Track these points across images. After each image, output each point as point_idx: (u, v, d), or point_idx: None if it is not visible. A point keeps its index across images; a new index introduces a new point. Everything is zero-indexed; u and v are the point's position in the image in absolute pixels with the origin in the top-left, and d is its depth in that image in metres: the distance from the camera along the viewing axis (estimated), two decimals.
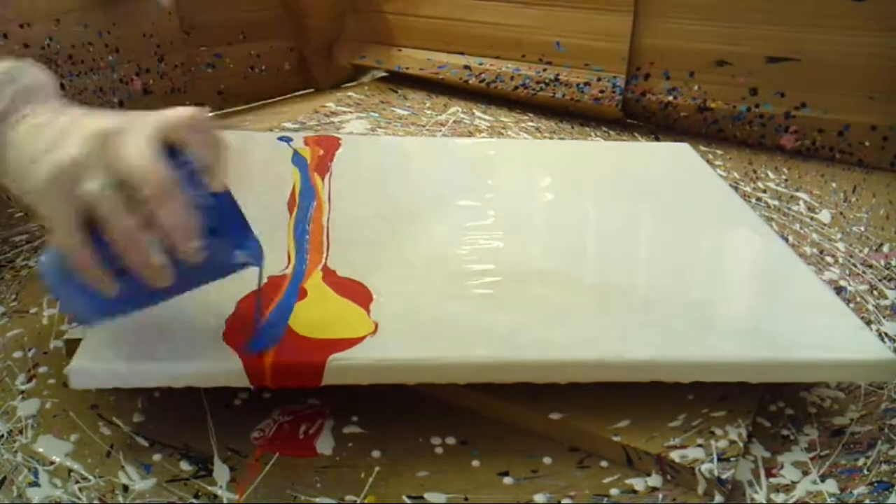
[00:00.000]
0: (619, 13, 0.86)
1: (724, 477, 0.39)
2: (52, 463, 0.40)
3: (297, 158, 0.65)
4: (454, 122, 0.89)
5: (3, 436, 0.41)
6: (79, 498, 0.38)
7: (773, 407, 0.46)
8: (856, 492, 0.40)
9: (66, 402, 0.44)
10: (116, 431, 0.42)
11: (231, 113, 0.92)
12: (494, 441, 0.43)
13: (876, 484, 0.40)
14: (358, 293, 0.46)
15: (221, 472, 0.39)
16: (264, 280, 0.43)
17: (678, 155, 0.73)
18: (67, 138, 0.35)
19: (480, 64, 0.95)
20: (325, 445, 0.42)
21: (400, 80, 1.01)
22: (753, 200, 0.72)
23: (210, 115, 0.38)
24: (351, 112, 0.90)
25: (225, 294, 0.44)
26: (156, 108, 0.37)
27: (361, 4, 1.01)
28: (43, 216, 0.35)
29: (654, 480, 0.40)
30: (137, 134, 0.35)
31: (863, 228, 0.68)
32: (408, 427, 0.43)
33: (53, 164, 0.34)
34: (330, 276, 0.48)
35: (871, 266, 0.62)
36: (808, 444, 0.43)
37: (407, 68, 0.99)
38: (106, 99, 0.80)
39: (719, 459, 0.40)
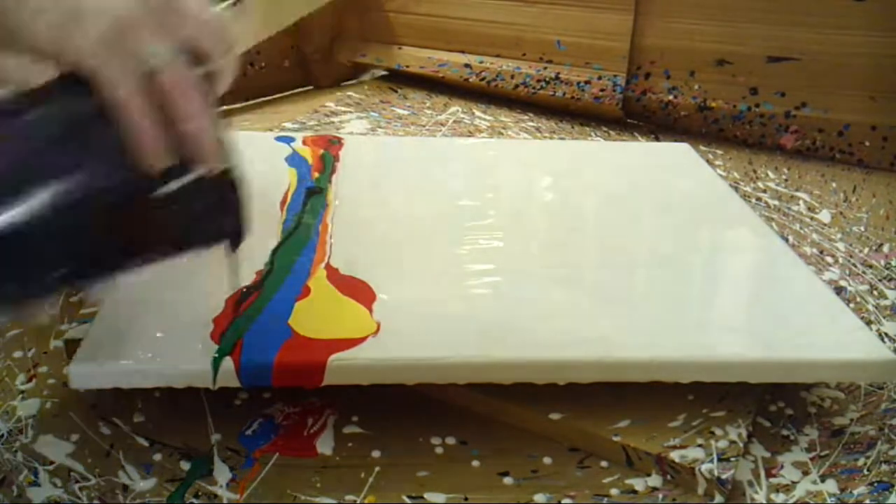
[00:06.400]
0: (619, 12, 0.86)
1: (724, 477, 0.39)
2: (52, 463, 0.40)
3: (297, 159, 0.65)
4: (454, 121, 0.89)
5: (3, 436, 0.41)
6: (79, 498, 0.38)
7: (773, 407, 0.46)
8: (856, 492, 0.40)
9: (66, 402, 0.44)
10: (116, 431, 0.42)
11: (230, 111, 0.92)
12: (494, 441, 0.43)
13: (876, 484, 0.40)
14: (361, 292, 0.46)
15: (221, 471, 0.39)
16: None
17: (678, 155, 0.73)
18: None
19: (481, 62, 0.95)
20: (325, 445, 0.42)
21: (400, 79, 1.01)
22: (753, 200, 0.72)
23: None
24: (351, 112, 0.90)
25: (218, 292, 0.44)
26: None
27: (362, 2, 1.00)
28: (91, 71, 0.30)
29: (654, 480, 0.40)
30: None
31: (863, 228, 0.68)
32: (408, 427, 0.43)
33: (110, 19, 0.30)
34: (334, 275, 0.48)
35: (871, 266, 0.62)
36: (808, 444, 0.43)
37: (407, 66, 0.99)
38: None
39: (719, 459, 0.40)
